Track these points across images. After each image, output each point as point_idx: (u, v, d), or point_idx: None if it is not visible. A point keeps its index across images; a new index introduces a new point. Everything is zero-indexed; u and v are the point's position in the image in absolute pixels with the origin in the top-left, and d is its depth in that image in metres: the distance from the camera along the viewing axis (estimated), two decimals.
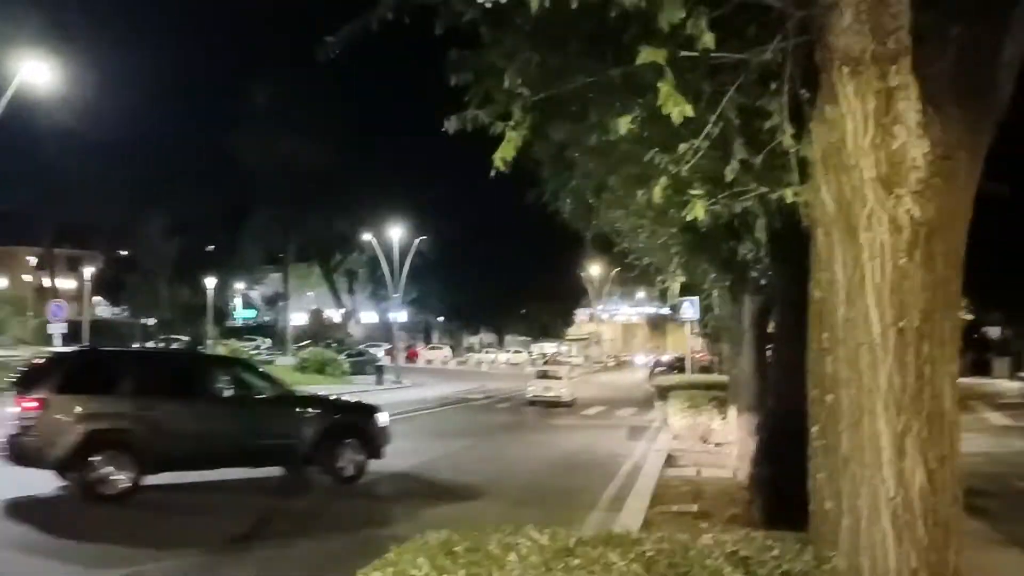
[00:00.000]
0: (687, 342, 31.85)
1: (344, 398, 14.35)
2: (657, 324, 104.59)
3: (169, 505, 10.28)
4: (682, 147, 3.72)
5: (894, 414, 3.14)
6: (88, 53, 40.45)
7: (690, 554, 2.95)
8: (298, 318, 77.78)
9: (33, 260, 61.45)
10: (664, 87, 3.29)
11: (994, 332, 44.07)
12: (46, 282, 57.01)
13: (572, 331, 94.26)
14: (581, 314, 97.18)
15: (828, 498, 3.33)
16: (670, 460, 13.81)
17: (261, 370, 13.62)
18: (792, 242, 7.28)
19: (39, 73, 19.82)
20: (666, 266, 15.82)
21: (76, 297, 49.91)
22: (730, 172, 3.77)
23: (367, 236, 55.12)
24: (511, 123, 3.88)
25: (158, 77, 46.85)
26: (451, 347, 79.19)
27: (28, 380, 10.72)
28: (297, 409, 12.20)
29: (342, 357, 45.76)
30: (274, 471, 11.88)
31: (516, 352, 76.81)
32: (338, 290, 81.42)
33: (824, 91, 3.30)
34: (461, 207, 64.49)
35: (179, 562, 7.48)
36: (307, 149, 53.70)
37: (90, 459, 10.16)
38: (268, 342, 65.44)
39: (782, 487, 7.02)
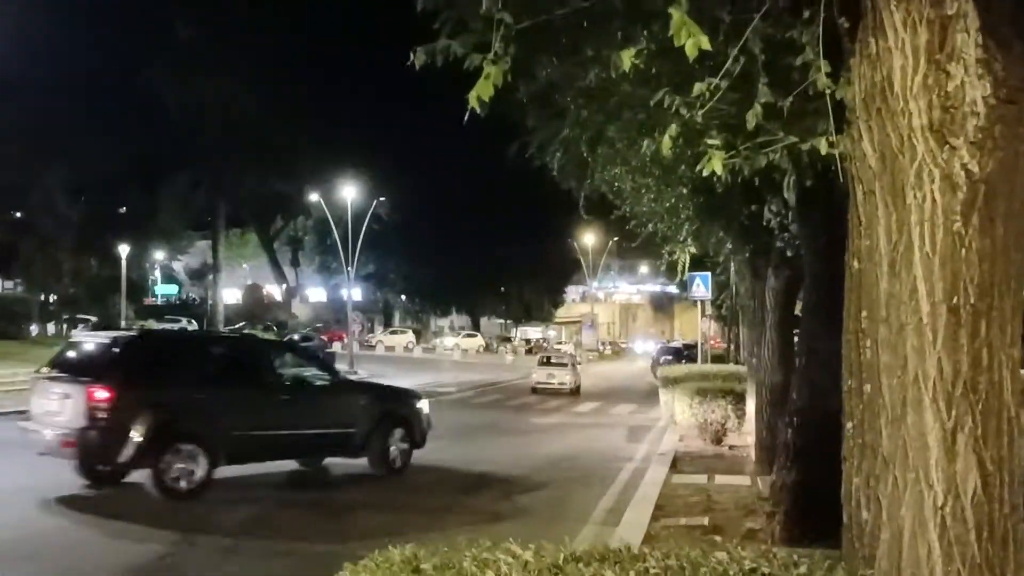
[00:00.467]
0: (698, 326, 32.05)
1: (384, 383, 15.51)
2: (662, 305, 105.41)
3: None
4: (697, 87, 3.70)
5: (944, 407, 3.17)
6: None
7: (701, 572, 2.98)
8: (231, 295, 77.44)
9: None
10: (676, 14, 3.27)
11: None
12: None
13: (561, 313, 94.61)
14: (572, 292, 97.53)
15: (864, 507, 3.36)
16: (677, 465, 13.92)
17: (317, 355, 14.92)
18: (826, 204, 7.35)
19: None
20: (674, 234, 15.95)
21: None
22: (752, 118, 3.76)
23: (314, 197, 54.84)
24: (490, 56, 3.84)
25: (57, 2, 45.83)
26: (416, 331, 79.22)
27: (83, 366, 11.37)
28: (353, 397, 13.65)
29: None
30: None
31: (468, 336, 76.08)
32: (279, 262, 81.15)
33: (867, 20, 3.29)
34: (429, 163, 64.28)
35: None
36: (241, 92, 53.17)
37: (164, 453, 10.95)
38: (194, 324, 65.19)
39: (810, 495, 7.12)
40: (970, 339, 3.18)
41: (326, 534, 9.67)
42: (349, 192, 48.39)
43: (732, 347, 36.58)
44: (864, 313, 3.39)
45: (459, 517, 10.72)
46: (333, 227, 47.34)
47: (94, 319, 48.50)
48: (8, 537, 8.96)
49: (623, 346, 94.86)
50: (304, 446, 12.82)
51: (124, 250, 39.96)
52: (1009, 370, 3.25)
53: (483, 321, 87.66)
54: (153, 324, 42.58)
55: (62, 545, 8.81)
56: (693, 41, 3.31)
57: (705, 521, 9.57)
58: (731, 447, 16.07)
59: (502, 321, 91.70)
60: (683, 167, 8.76)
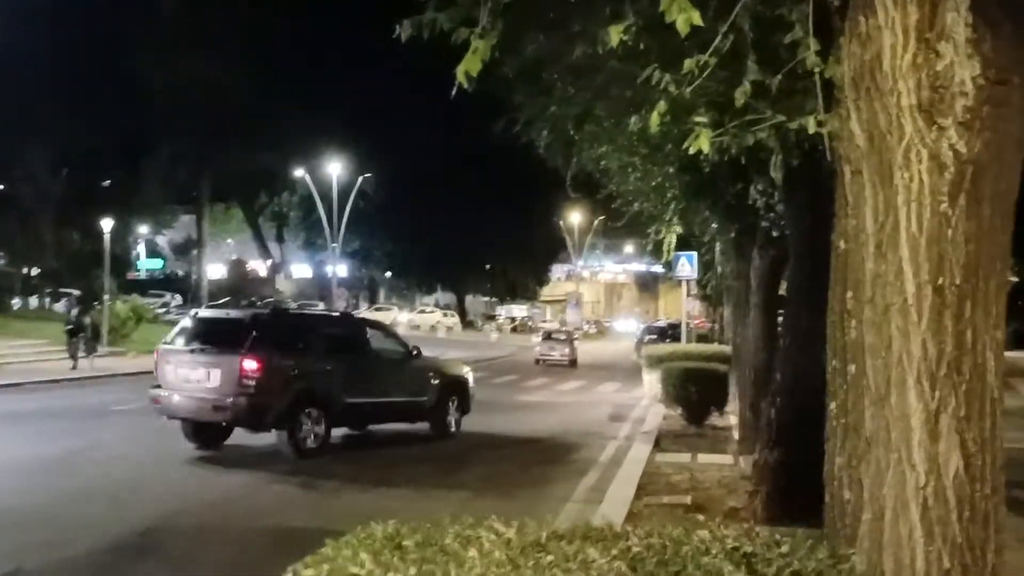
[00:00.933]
0: (683, 305, 32.10)
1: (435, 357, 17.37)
2: (647, 284, 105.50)
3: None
4: (686, 64, 3.67)
5: (928, 388, 3.17)
6: None
7: (683, 550, 2.99)
8: (215, 270, 77.03)
9: None
10: None
11: None
12: None
13: (547, 291, 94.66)
14: (558, 271, 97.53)
15: (847, 487, 3.37)
16: (660, 443, 13.99)
17: (394, 332, 17.39)
18: (812, 184, 7.34)
19: None
20: (660, 214, 15.92)
21: None
22: (741, 96, 3.73)
23: (299, 172, 54.58)
24: (477, 30, 3.80)
25: None
26: (401, 308, 79.08)
27: (224, 340, 12.85)
28: (423, 369, 15.47)
29: None
30: None
31: (423, 311, 74.80)
32: (264, 237, 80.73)
33: None
34: (415, 139, 63.85)
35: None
36: (224, 66, 52.64)
37: (299, 417, 12.76)
38: (178, 298, 64.90)
39: (792, 475, 7.16)
40: (955, 320, 3.18)
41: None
42: (334, 168, 48.20)
43: (717, 327, 36.70)
44: (849, 293, 3.39)
45: (441, 494, 10.75)
46: (318, 203, 47.15)
47: (77, 293, 48.13)
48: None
49: (607, 325, 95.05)
50: (392, 412, 14.81)
51: (107, 224, 39.63)
52: (993, 352, 3.26)
53: (468, 299, 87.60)
54: (136, 299, 42.21)
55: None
56: (685, 17, 3.28)
57: (688, 499, 9.63)
58: (714, 427, 16.14)
59: (487, 299, 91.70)
60: (670, 145, 8.73)
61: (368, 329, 15.40)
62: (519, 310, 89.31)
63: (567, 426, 17.78)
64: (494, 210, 67.63)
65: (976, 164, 3.15)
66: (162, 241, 79.17)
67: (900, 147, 3.19)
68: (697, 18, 3.26)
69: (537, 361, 39.38)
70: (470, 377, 16.47)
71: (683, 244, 21.01)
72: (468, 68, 3.82)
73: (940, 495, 3.17)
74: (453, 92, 4.11)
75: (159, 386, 13.28)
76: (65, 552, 7.68)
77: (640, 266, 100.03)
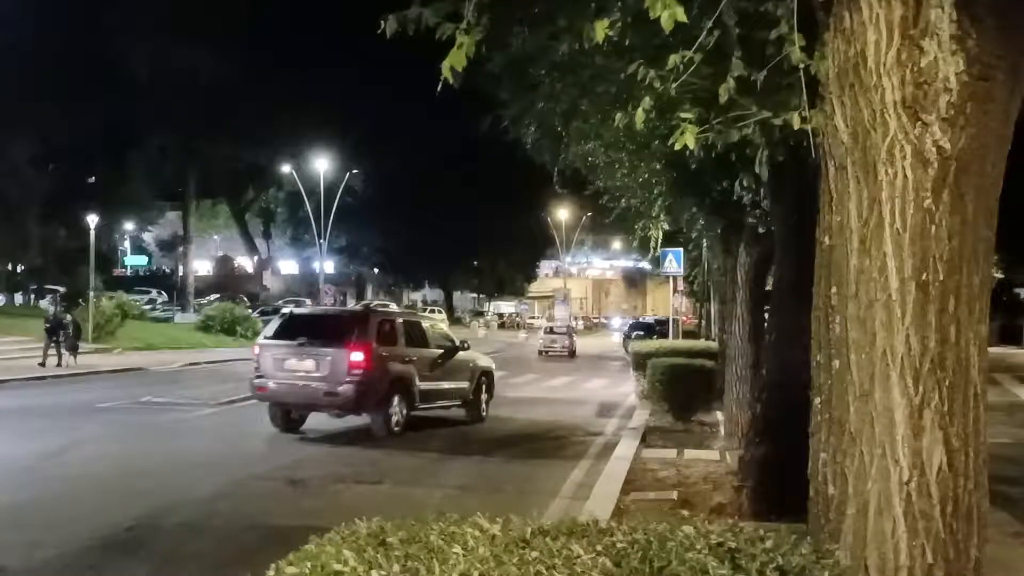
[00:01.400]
0: (670, 302, 32.17)
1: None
2: (635, 280, 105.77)
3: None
4: (671, 60, 3.67)
5: (911, 383, 3.18)
6: None
7: (668, 546, 2.98)
8: (202, 266, 76.96)
9: None
10: None
11: None
12: None
13: (534, 287, 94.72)
14: (545, 267, 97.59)
15: (830, 482, 3.38)
16: (647, 439, 14.01)
17: (442, 326, 19.43)
18: (797, 180, 7.36)
19: None
20: (647, 210, 15.97)
21: None
22: (725, 92, 3.73)
23: (286, 168, 54.41)
24: (462, 25, 3.79)
25: None
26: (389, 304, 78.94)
27: (328, 334, 14.84)
28: (464, 359, 17.43)
29: (255, 315, 45.36)
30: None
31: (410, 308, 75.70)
32: (251, 233, 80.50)
33: None
34: (402, 135, 63.77)
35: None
36: (211, 60, 52.39)
37: (391, 402, 14.80)
38: (164, 296, 64.65)
39: (778, 470, 7.18)
40: (938, 315, 3.19)
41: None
42: (322, 163, 48.04)
43: (704, 323, 36.80)
44: (834, 289, 3.39)
45: (424, 492, 10.73)
46: (305, 199, 46.99)
47: (62, 289, 47.91)
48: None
49: (596, 321, 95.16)
50: (447, 398, 16.72)
51: (93, 220, 39.52)
52: (976, 347, 3.27)
53: (456, 295, 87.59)
54: (123, 296, 42.11)
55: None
56: (669, 13, 3.27)
57: (674, 495, 9.63)
58: (701, 422, 16.17)
59: (475, 295, 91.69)
60: (656, 142, 8.75)
61: (425, 323, 17.82)
62: (507, 306, 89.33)
63: (554, 422, 17.78)
64: (482, 206, 67.58)
65: (960, 160, 3.16)
66: (148, 237, 78.93)
67: (884, 143, 3.19)
68: (681, 14, 3.26)
69: (540, 352, 44.97)
70: (493, 366, 18.78)
71: (670, 240, 21.11)
72: (453, 63, 3.81)
73: (924, 490, 3.18)
74: (439, 88, 4.10)
75: (262, 376, 14.94)
76: (48, 552, 7.62)
77: (628, 262, 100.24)
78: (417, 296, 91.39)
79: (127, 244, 77.77)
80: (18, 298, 53.39)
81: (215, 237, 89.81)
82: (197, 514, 9.13)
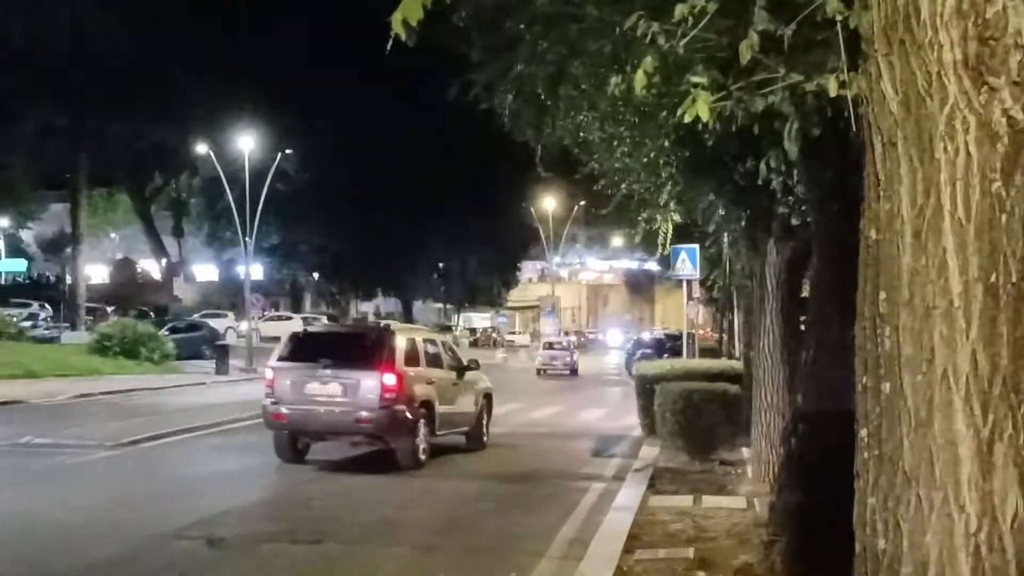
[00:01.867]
0: (683, 311, 32.26)
1: None
2: (640, 285, 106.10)
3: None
4: (679, 10, 3.68)
5: (979, 410, 3.19)
6: None
7: None
8: (96, 272, 76.43)
9: None
10: None
11: None
12: None
13: (515, 295, 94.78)
14: (529, 270, 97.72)
15: (881, 534, 3.39)
16: (655, 484, 14.04)
17: (452, 345, 21.23)
18: (839, 160, 7.41)
19: None
20: (654, 198, 16.02)
21: None
22: (747, 50, 3.75)
23: (202, 149, 54.16)
24: None
25: None
26: (332, 317, 78.69)
27: (352, 356, 16.63)
28: (473, 380, 19.57)
29: (164, 333, 45.13)
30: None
31: (305, 320, 75.25)
32: (158, 231, 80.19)
33: None
34: (348, 107, 63.74)
35: None
36: (107, 16, 52.17)
37: (419, 427, 16.55)
38: (48, 310, 64.16)
39: (818, 520, 7.20)
40: (1012, 326, 3.20)
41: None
42: (246, 143, 47.85)
43: (725, 337, 36.94)
44: (882, 294, 3.40)
45: (384, 551, 10.71)
46: (226, 187, 46.79)
47: None
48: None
49: (592, 336, 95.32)
50: (459, 423, 18.70)
51: None
52: None
53: (417, 305, 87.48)
54: None
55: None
56: None
57: (690, 553, 9.66)
58: (723, 461, 16.22)
59: (440, 306, 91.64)
60: (664, 113, 8.78)
61: (445, 343, 20.08)
62: (481, 319, 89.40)
63: (542, 463, 17.80)
64: (449, 195, 67.63)
65: None
66: (27, 236, 78.33)
67: (943, 113, 3.21)
68: None
69: (539, 371, 49.44)
70: (492, 389, 20.84)
71: (683, 235, 21.19)
72: (406, 15, 3.80)
73: (995, 543, 3.19)
74: (388, 46, 4.10)
75: (277, 402, 16.42)
76: None
77: (630, 263, 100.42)
78: (368, 307, 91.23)
79: (1, 245, 77.23)
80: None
81: (112, 235, 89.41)
82: None
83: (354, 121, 63.72)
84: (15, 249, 79.39)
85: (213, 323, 55.53)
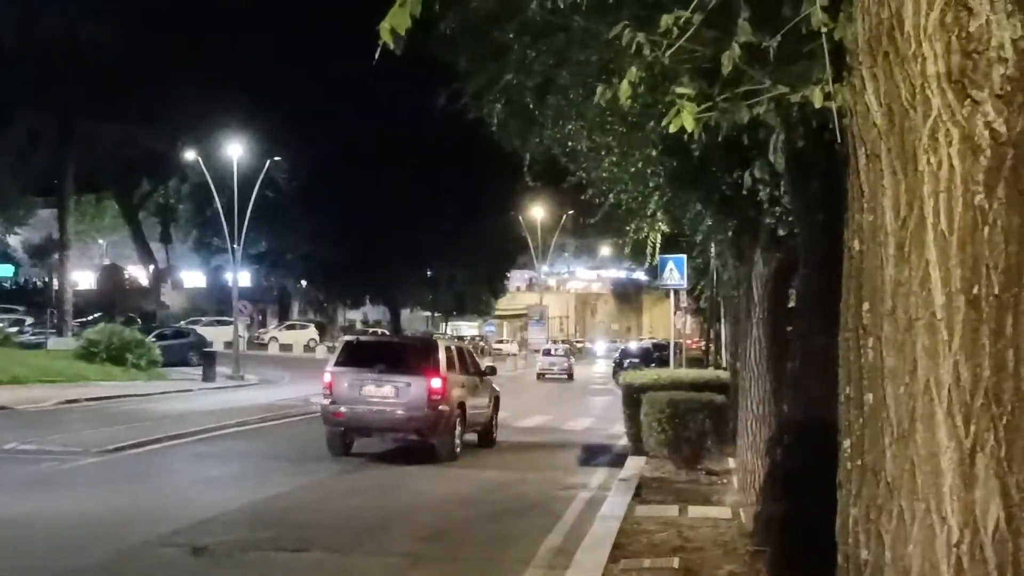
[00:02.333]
0: (671, 321, 32.32)
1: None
2: (628, 295, 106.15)
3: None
4: (664, 20, 3.69)
5: (961, 422, 3.20)
6: None
7: None
8: (83, 279, 76.17)
9: None
10: None
11: None
12: None
13: (503, 304, 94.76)
14: (517, 279, 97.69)
15: (863, 545, 3.39)
16: (641, 493, 14.03)
17: (470, 350, 24.25)
18: (825, 171, 7.43)
19: None
20: (642, 207, 16.03)
21: None
22: (730, 61, 3.75)
23: (190, 155, 54.03)
24: None
25: None
26: (320, 325, 78.64)
27: (402, 362, 19.27)
28: (487, 381, 22.18)
29: (151, 339, 45.00)
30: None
31: (292, 327, 76.31)
32: (145, 237, 79.92)
33: None
34: (337, 115, 63.70)
35: None
36: (97, 21, 52.07)
37: (456, 425, 19.13)
38: (35, 316, 63.85)
39: (804, 530, 7.21)
40: (993, 338, 3.21)
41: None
42: (235, 149, 47.75)
43: (712, 347, 36.99)
44: (866, 306, 3.41)
45: (369, 559, 10.70)
46: (215, 194, 46.70)
47: None
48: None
49: (580, 345, 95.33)
50: (480, 422, 21.09)
51: None
52: None
53: (405, 314, 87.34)
54: None
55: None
56: None
57: (675, 563, 9.66)
58: (709, 471, 16.23)
59: (428, 314, 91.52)
60: (651, 123, 8.80)
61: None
62: (469, 328, 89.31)
63: (526, 473, 17.79)
64: (437, 204, 67.54)
65: (1018, 146, 3.19)
66: (14, 242, 78.01)
67: (926, 125, 3.22)
68: None
69: (539, 375, 55.38)
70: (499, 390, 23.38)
71: (670, 245, 21.22)
72: (395, 24, 3.80)
73: (977, 554, 3.20)
74: (377, 55, 4.10)
75: (336, 402, 18.67)
76: None
77: (619, 272, 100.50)
78: (356, 315, 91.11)
79: None
80: None
81: (100, 242, 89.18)
82: None
83: (344, 128, 63.66)
84: (2, 255, 79.03)
85: (203, 329, 55.40)
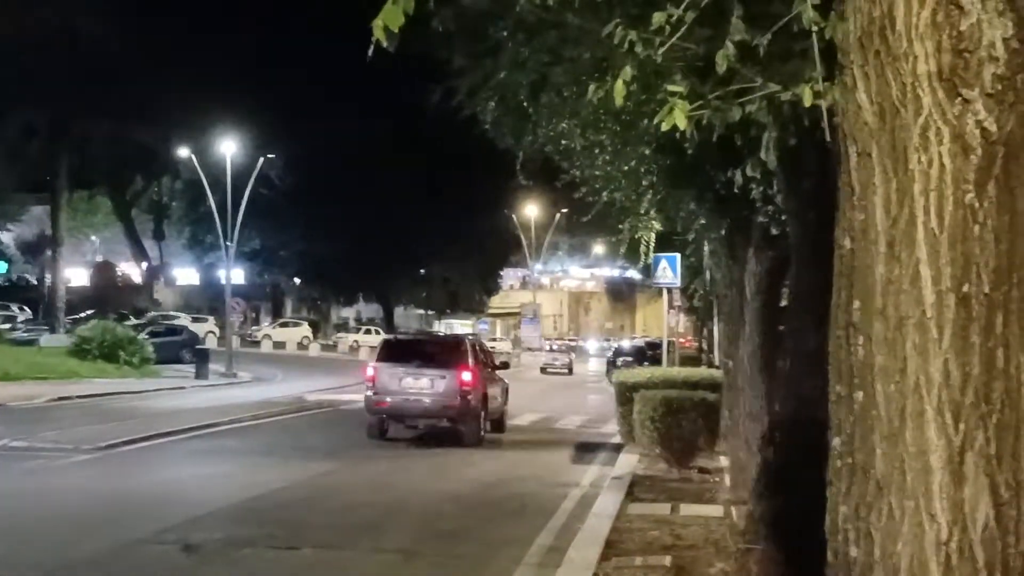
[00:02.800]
0: (664, 320, 32.34)
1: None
2: (621, 293, 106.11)
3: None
4: (656, 18, 3.69)
5: (950, 420, 3.20)
6: None
7: None
8: (76, 275, 76.06)
9: None
10: None
11: None
12: None
13: (496, 302, 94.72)
14: (510, 277, 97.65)
15: (853, 542, 3.40)
16: (634, 491, 14.05)
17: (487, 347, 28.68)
18: (818, 170, 7.43)
19: None
20: (635, 206, 16.03)
21: None
22: (723, 59, 3.75)
23: (184, 152, 54.00)
24: None
25: None
26: (313, 323, 78.60)
27: (437, 358, 21.78)
28: (499, 375, 24.67)
29: (144, 336, 44.95)
30: None
31: (286, 324, 77.01)
32: (138, 234, 79.82)
33: None
34: (331, 113, 63.58)
35: None
36: (91, 17, 51.97)
37: (482, 413, 21.78)
38: (27, 312, 63.81)
39: (795, 528, 7.22)
40: (983, 336, 3.21)
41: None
42: (228, 146, 47.71)
43: (705, 346, 37.02)
44: (856, 304, 3.41)
45: (362, 556, 10.69)
46: (208, 191, 46.65)
47: None
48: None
49: (574, 343, 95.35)
50: (496, 410, 23.38)
51: None
52: None
53: (398, 312, 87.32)
54: None
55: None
56: None
57: (667, 561, 9.67)
58: (701, 470, 16.24)
59: (422, 312, 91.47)
60: (645, 121, 8.78)
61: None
62: (462, 325, 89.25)
63: (519, 470, 17.81)
64: (431, 202, 67.46)
65: (1008, 145, 3.19)
66: (6, 238, 77.84)
67: (916, 124, 3.22)
68: None
69: (543, 369, 61.88)
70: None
71: (664, 244, 21.23)
72: (388, 21, 3.79)
73: (966, 551, 3.20)
74: (370, 52, 4.09)
75: (379, 393, 21.17)
76: None
77: (612, 271, 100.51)
78: (349, 312, 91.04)
79: None
80: None
81: (93, 238, 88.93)
82: None
83: (337, 126, 63.54)
84: None
85: (195, 326, 55.24)
